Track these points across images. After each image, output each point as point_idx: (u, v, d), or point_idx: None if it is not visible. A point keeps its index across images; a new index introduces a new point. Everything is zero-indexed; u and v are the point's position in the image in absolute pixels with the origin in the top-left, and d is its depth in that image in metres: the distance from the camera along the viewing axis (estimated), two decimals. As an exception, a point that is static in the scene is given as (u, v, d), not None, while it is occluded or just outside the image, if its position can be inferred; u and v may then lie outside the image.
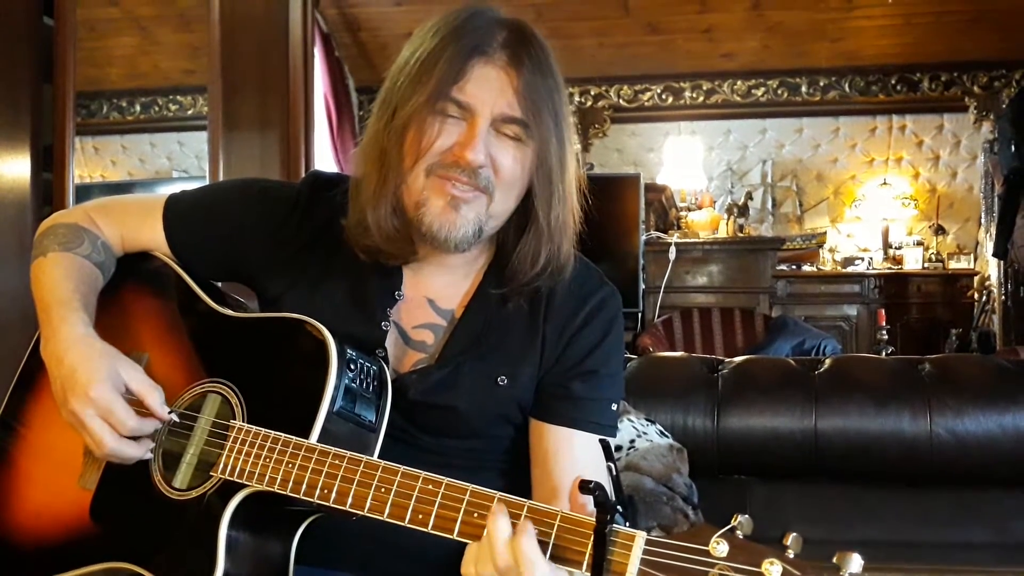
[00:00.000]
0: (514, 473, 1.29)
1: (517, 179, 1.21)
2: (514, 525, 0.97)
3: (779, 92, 6.98)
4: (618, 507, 0.93)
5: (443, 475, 1.05)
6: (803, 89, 6.93)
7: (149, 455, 1.21)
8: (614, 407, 1.28)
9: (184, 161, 4.21)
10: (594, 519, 0.93)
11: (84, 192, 3.31)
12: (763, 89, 7.00)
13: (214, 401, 1.22)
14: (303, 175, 1.58)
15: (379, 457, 1.14)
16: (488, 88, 1.16)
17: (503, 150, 1.19)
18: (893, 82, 6.80)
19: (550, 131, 1.20)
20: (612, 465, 0.97)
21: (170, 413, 1.21)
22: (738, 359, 2.30)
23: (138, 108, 4.10)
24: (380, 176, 1.20)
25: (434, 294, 1.30)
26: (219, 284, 1.43)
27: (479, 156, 1.16)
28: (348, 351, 1.17)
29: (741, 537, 0.88)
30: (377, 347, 1.25)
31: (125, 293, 1.39)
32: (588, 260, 1.34)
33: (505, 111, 1.17)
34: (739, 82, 6.99)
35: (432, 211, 1.19)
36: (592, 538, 0.93)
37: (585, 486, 0.92)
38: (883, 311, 5.43)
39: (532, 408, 1.27)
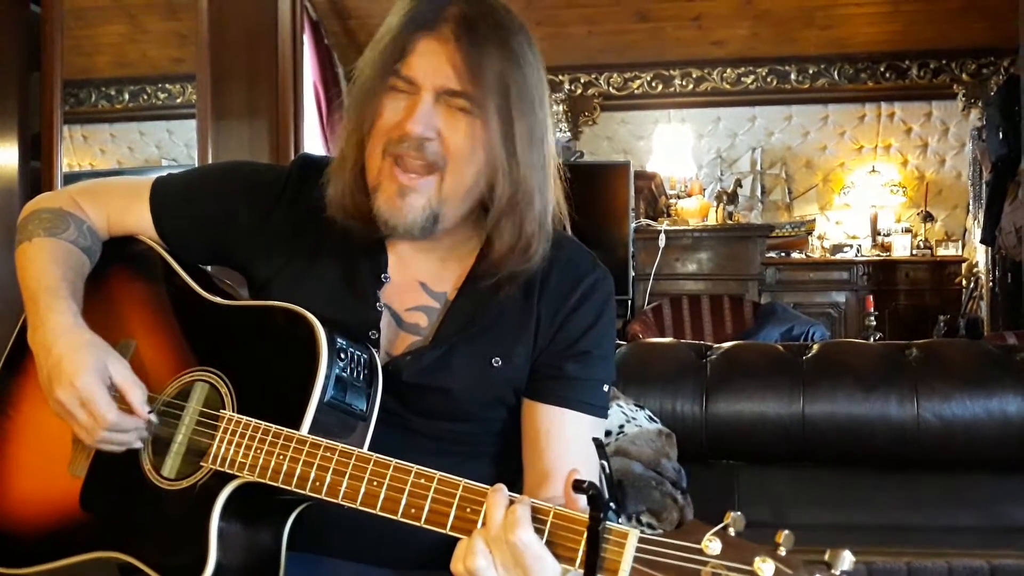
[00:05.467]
0: (508, 457, 1.29)
1: (468, 154, 1.19)
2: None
3: (768, 80, 6.98)
4: (611, 504, 0.93)
5: (436, 459, 1.05)
6: (792, 77, 6.93)
7: (139, 444, 1.21)
8: (605, 388, 1.28)
9: (173, 149, 4.19)
10: (587, 516, 0.93)
11: (72, 181, 3.28)
12: (752, 77, 7.00)
13: (202, 389, 1.22)
14: (292, 161, 1.58)
15: (372, 442, 1.14)
16: (431, 61, 1.16)
17: (453, 124, 1.17)
18: (882, 69, 6.81)
19: (502, 105, 1.17)
20: (605, 463, 0.97)
21: (150, 413, 1.21)
22: (726, 344, 2.30)
23: (127, 96, 4.08)
24: (342, 155, 1.23)
25: (426, 277, 1.30)
26: (208, 268, 1.42)
27: (418, 127, 1.15)
28: (338, 340, 1.16)
29: (733, 534, 0.88)
30: (371, 329, 1.25)
31: (111, 279, 1.38)
32: (581, 243, 1.34)
33: (447, 84, 1.16)
34: (728, 70, 6.99)
35: (382, 197, 1.19)
36: (585, 536, 0.93)
37: (579, 485, 0.92)
38: (871, 298, 5.43)
39: (525, 388, 1.27)
